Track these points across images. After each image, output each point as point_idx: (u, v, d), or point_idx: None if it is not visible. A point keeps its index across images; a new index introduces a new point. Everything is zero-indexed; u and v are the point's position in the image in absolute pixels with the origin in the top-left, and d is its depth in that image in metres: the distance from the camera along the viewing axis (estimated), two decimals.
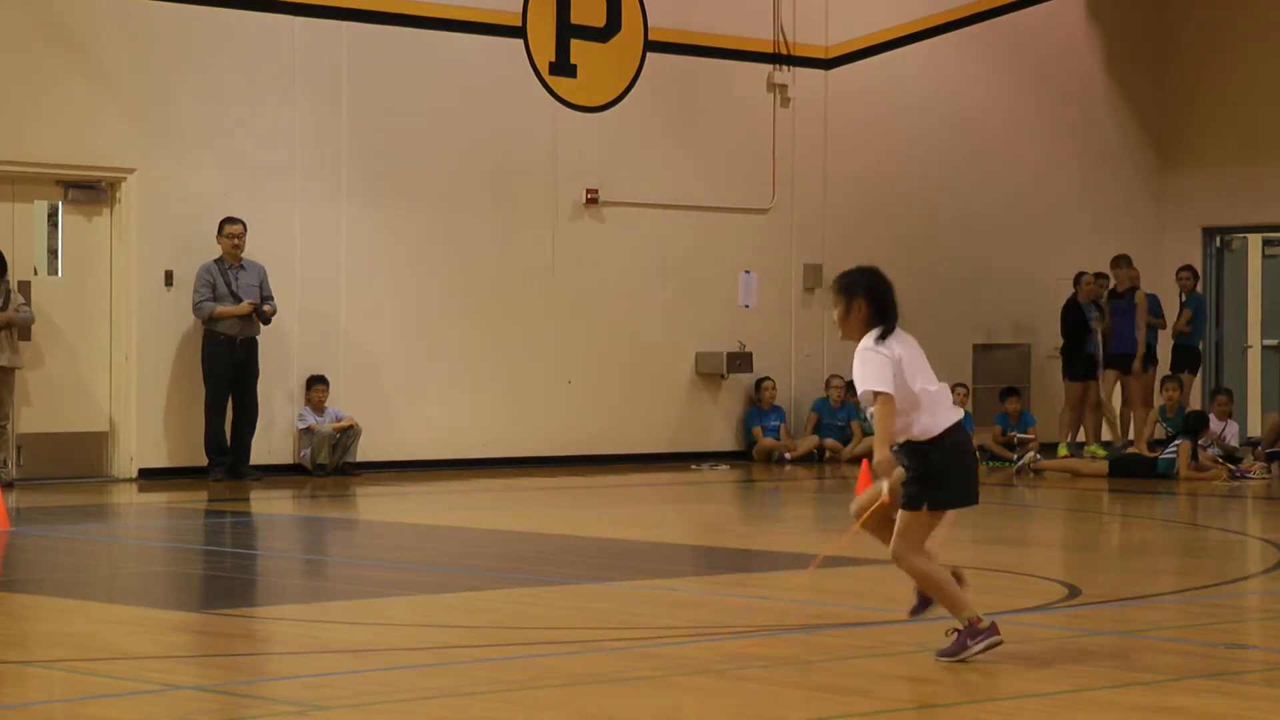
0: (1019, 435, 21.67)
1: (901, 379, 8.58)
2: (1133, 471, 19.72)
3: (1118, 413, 22.50)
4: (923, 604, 8.98)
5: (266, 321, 18.58)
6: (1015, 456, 21.15)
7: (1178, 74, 25.15)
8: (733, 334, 21.83)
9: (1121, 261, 22.14)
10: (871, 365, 8.60)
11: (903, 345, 8.73)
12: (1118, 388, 22.45)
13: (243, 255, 18.56)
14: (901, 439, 8.65)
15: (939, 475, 8.62)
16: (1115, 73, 24.90)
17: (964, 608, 8.63)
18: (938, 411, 8.63)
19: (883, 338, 8.68)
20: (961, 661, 8.56)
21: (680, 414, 21.65)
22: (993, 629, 8.59)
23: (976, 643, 8.57)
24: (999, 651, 8.68)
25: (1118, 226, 24.69)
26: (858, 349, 8.68)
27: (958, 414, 8.73)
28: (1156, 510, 17.17)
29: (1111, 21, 24.85)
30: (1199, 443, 19.56)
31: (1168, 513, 17.00)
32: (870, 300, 8.73)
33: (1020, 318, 23.87)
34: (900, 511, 8.67)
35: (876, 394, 8.55)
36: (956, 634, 8.64)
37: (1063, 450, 21.91)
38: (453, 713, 7.74)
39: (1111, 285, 22.25)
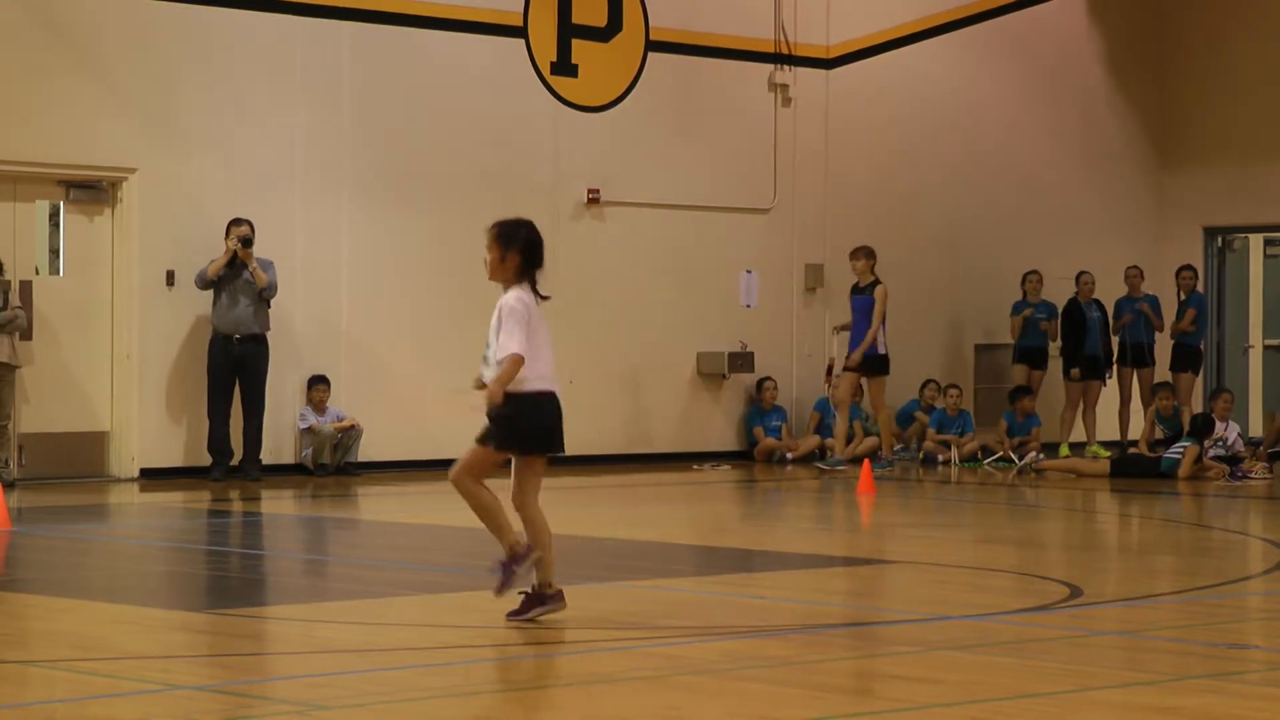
0: (1006, 445, 21.62)
1: (530, 334, 9.50)
2: (1135, 472, 19.72)
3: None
4: (507, 571, 9.55)
5: (248, 245, 18.38)
6: (1017, 456, 21.17)
7: (1179, 74, 25.16)
8: (734, 334, 21.83)
9: (861, 253, 20.29)
10: (511, 325, 9.48)
11: (539, 309, 9.62)
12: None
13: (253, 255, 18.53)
14: (513, 385, 9.49)
15: (512, 424, 9.47)
16: (1116, 72, 24.90)
17: (506, 534, 9.50)
18: (538, 373, 9.51)
19: (527, 295, 9.58)
20: (509, 588, 9.41)
21: (682, 414, 21.64)
22: (530, 549, 9.48)
23: (520, 565, 9.44)
24: (1001, 650, 8.68)
25: (1118, 226, 24.71)
26: (508, 305, 9.54)
27: (552, 386, 9.60)
28: (1158, 510, 17.16)
29: (1112, 21, 24.85)
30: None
31: (1169, 513, 17.00)
32: (524, 253, 9.67)
33: None
34: (474, 443, 9.56)
35: (514, 355, 9.44)
36: (501, 566, 9.47)
37: (1064, 450, 21.92)
38: (455, 712, 7.74)
39: (855, 281, 20.44)
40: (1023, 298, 22.58)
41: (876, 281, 20.15)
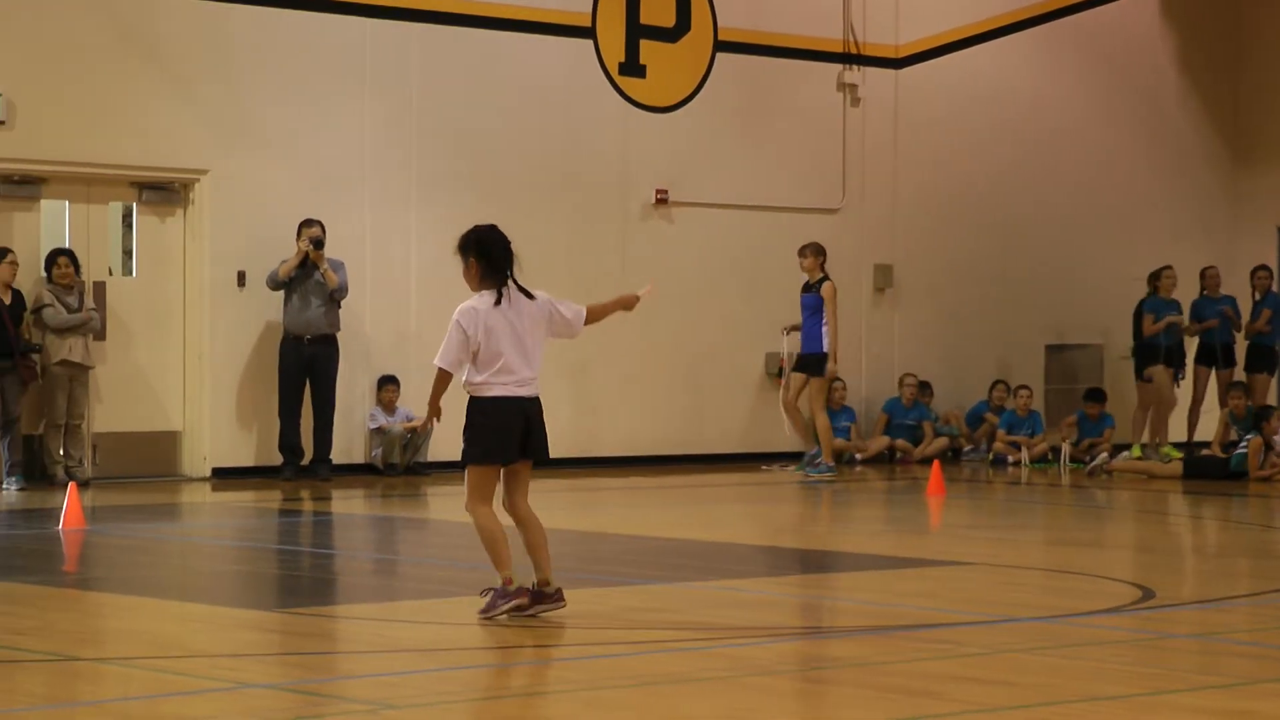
0: (1067, 443, 21.43)
1: (484, 339, 9.59)
2: (1207, 473, 19.60)
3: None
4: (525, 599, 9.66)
5: (320, 246, 18.44)
6: (1088, 458, 21.06)
7: (1252, 71, 24.97)
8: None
9: (808, 251, 19.49)
10: (450, 339, 9.60)
11: (503, 312, 9.66)
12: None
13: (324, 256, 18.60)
14: (473, 390, 9.69)
15: (477, 433, 9.64)
16: (1188, 70, 24.74)
17: (504, 567, 9.62)
18: (497, 379, 9.63)
19: (482, 301, 9.63)
20: (491, 619, 9.50)
21: (750, 414, 21.62)
22: (520, 592, 9.57)
23: (505, 602, 9.55)
24: (1072, 652, 8.63)
25: (1191, 225, 24.54)
26: (455, 315, 9.63)
27: (516, 391, 9.71)
28: (1231, 512, 17.04)
29: (1184, 18, 24.69)
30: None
31: (1242, 515, 16.88)
32: (479, 257, 9.67)
33: (1093, 318, 23.73)
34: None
35: (438, 368, 9.62)
36: (491, 592, 9.61)
37: (1135, 451, 21.79)
38: (523, 711, 7.75)
39: (804, 279, 19.60)
40: (1150, 295, 22.16)
41: (825, 278, 19.36)
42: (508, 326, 9.71)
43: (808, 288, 19.54)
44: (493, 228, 9.83)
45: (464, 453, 9.76)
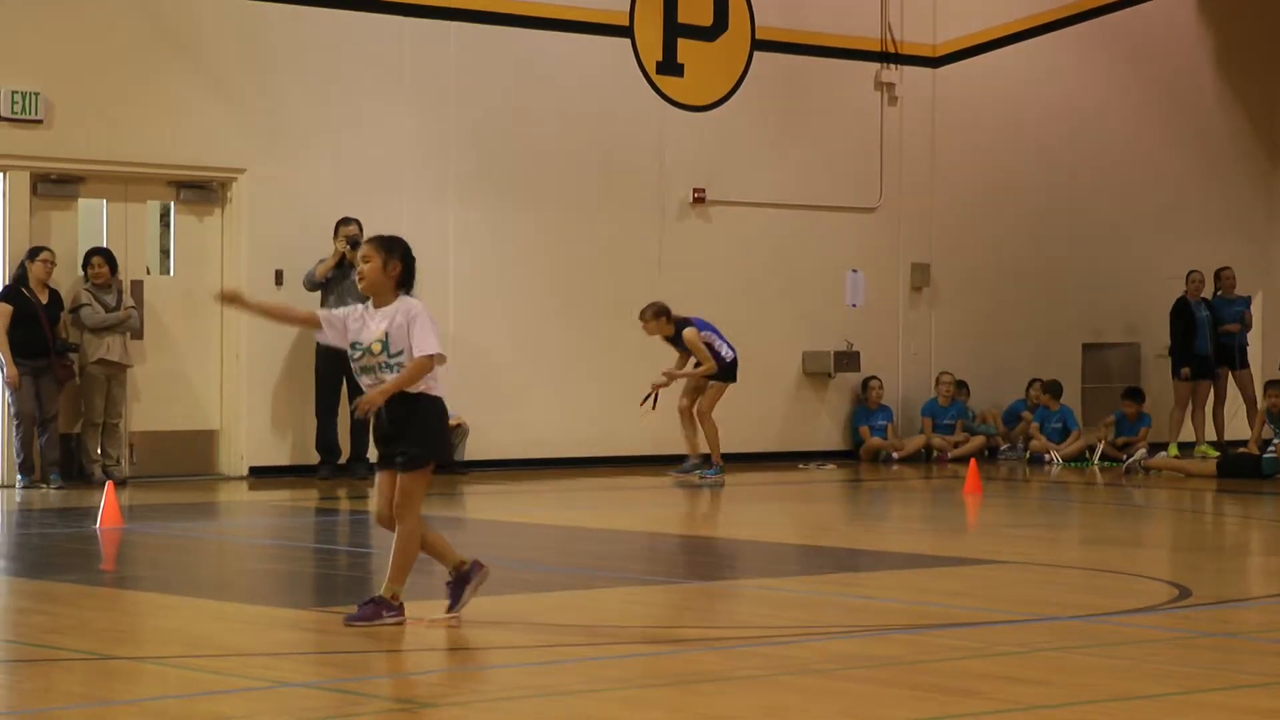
0: (1102, 439, 21.38)
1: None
2: (1242, 472, 19.55)
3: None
4: (456, 587, 9.59)
5: (356, 245, 18.44)
6: (1125, 456, 21.01)
7: None
8: (840, 333, 21.79)
9: (646, 314, 18.31)
10: (427, 326, 9.44)
11: None
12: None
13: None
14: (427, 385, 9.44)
15: (441, 436, 9.52)
16: (1226, 71, 24.66)
17: (398, 581, 9.46)
18: (436, 379, 9.47)
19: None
20: (373, 626, 9.30)
21: (787, 413, 21.61)
22: (401, 610, 9.44)
23: (390, 615, 9.42)
24: (1107, 651, 8.61)
25: (1227, 226, 24.46)
26: (418, 307, 9.46)
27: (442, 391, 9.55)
28: (1266, 511, 16.99)
29: (1222, 20, 24.61)
30: None
31: (1277, 513, 16.82)
32: (404, 263, 9.53)
33: (1129, 317, 23.67)
34: (403, 477, 9.38)
35: (435, 354, 9.38)
36: (372, 603, 9.45)
37: (1173, 450, 21.74)
38: (558, 711, 7.77)
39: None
40: None
41: (682, 325, 18.25)
42: None
43: (672, 341, 18.53)
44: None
45: (430, 456, 9.44)
